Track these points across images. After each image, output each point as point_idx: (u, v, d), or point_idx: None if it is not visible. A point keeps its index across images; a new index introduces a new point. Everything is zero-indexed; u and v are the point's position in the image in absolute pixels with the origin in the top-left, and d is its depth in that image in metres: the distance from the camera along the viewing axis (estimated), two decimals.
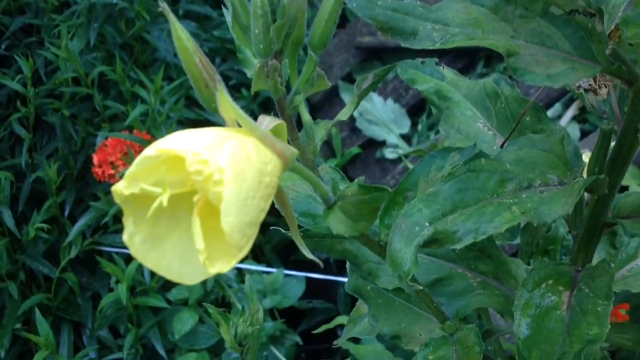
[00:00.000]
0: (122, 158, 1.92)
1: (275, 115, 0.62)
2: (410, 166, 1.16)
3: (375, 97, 2.45)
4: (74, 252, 1.99)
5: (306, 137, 0.66)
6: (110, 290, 1.99)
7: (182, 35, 0.56)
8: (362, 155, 2.48)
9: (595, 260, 0.79)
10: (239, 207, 0.49)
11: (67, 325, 2.07)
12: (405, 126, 2.44)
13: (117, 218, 2.00)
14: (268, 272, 2.16)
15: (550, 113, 2.31)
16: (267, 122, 0.55)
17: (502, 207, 0.65)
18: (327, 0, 0.62)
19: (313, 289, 2.24)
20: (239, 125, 0.54)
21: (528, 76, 0.63)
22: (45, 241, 2.04)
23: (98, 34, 2.06)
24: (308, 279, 2.18)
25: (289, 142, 0.62)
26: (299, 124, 0.67)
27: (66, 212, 2.05)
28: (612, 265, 0.84)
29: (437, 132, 2.42)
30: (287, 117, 0.62)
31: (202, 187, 0.49)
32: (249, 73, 0.61)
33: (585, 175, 0.73)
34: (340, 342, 1.04)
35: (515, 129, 0.82)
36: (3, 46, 2.09)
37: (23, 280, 2.02)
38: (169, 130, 2.02)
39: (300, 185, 0.70)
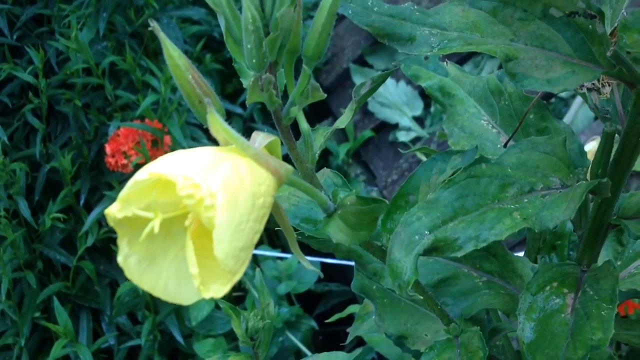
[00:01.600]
0: (135, 147, 1.93)
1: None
2: (421, 157, 1.15)
3: (387, 79, 2.43)
4: (90, 241, 2.01)
5: (304, 146, 0.65)
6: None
7: (173, 53, 0.56)
8: (374, 139, 2.46)
9: (602, 258, 0.78)
10: (232, 233, 0.48)
11: (85, 313, 2.09)
12: (418, 108, 2.42)
13: None
14: (283, 258, 2.17)
15: (565, 94, 2.28)
16: (260, 139, 0.55)
17: (503, 213, 0.64)
18: (321, 12, 0.61)
19: (329, 272, 2.24)
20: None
21: (527, 81, 0.62)
22: (62, 230, 2.06)
23: (107, 23, 2.05)
24: (323, 262, 2.18)
25: (286, 153, 0.62)
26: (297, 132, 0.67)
27: (82, 201, 2.06)
28: (619, 263, 0.84)
29: None
30: (284, 128, 0.62)
31: (194, 211, 0.49)
32: (245, 83, 0.61)
33: (589, 174, 0.72)
34: (350, 337, 1.04)
35: (519, 128, 0.80)
36: (14, 36, 2.08)
37: (41, 269, 2.04)
38: (180, 119, 2.02)
39: (301, 192, 0.70)
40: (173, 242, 0.53)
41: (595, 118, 2.19)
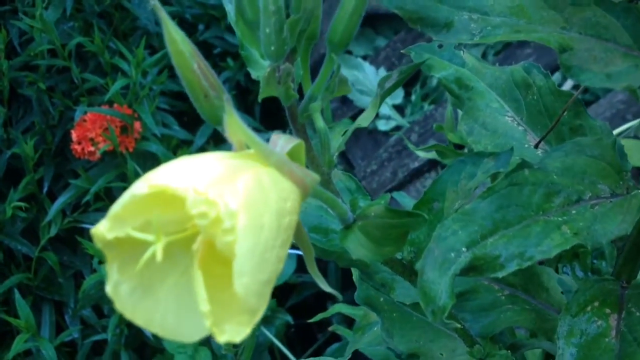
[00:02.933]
0: (102, 134, 1.84)
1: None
2: (420, 153, 1.07)
3: (367, 66, 2.35)
4: (53, 231, 1.95)
5: (320, 147, 0.56)
6: (93, 270, 1.94)
7: (176, 37, 0.47)
8: None
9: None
10: (256, 264, 0.39)
11: (48, 305, 2.03)
12: (399, 96, 2.35)
13: (98, 196, 1.95)
14: None
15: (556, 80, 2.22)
16: (282, 143, 0.45)
17: (550, 226, 0.56)
18: None
19: (303, 262, 2.18)
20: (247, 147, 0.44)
21: (584, 75, 0.54)
22: (24, 220, 1.99)
23: (74, 2, 1.98)
24: (299, 254, 2.12)
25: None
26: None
27: (45, 190, 2.00)
28: None
29: (431, 102, 2.33)
30: (299, 126, 0.53)
31: (208, 233, 0.39)
32: (254, 74, 0.51)
33: None
34: (349, 351, 0.95)
35: (554, 127, 0.72)
36: None
37: (1, 260, 1.98)
38: (152, 104, 1.94)
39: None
40: (173, 266, 0.43)
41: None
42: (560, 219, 0.56)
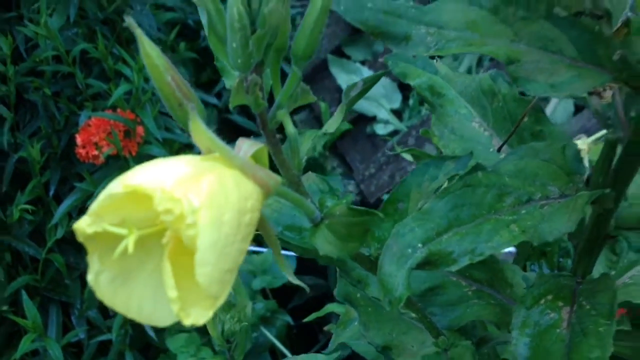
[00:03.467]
0: (106, 138, 1.89)
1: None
2: (409, 157, 1.11)
3: (365, 71, 2.40)
4: (60, 233, 1.98)
5: (290, 152, 0.61)
6: None
7: (151, 52, 0.52)
8: (352, 131, 2.43)
9: (596, 267, 0.75)
10: (217, 257, 0.44)
11: (55, 306, 2.06)
12: (396, 101, 2.40)
13: None
14: (258, 252, 2.14)
15: None
16: (245, 147, 0.50)
17: (500, 224, 0.60)
18: (312, 8, 0.57)
19: (304, 265, 2.22)
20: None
21: (530, 85, 0.58)
22: (31, 222, 2.02)
23: (78, 9, 2.01)
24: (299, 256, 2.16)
25: (271, 157, 0.58)
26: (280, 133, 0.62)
27: (51, 192, 2.03)
28: (612, 272, 0.81)
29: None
30: (269, 132, 0.58)
31: (174, 228, 0.44)
32: (228, 84, 0.56)
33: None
34: (332, 344, 1.00)
35: (514, 132, 0.77)
36: None
37: (9, 261, 2.02)
38: (154, 109, 1.98)
39: None
40: (149, 257, 0.48)
41: (575, 113, 2.18)
42: (510, 217, 0.61)
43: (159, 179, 0.44)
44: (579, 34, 0.59)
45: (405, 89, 2.43)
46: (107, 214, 0.45)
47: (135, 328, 2.04)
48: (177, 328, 2.04)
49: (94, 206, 0.45)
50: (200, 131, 0.47)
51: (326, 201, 0.63)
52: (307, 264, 2.24)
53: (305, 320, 1.50)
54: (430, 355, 0.75)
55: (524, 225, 0.60)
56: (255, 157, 0.50)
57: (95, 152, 1.90)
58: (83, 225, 0.45)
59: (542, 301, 0.67)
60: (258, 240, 1.81)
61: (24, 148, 1.96)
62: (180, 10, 2.32)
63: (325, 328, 1.65)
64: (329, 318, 1.78)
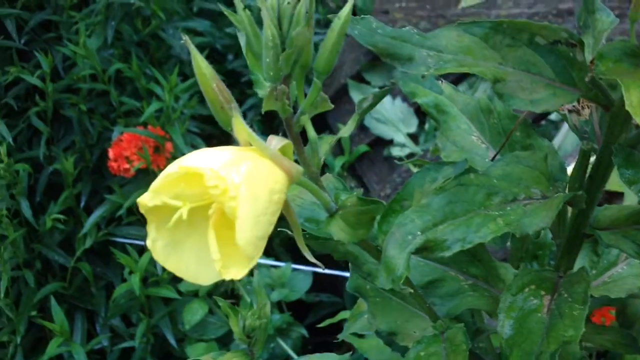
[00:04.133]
0: (137, 153, 1.98)
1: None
2: (413, 169, 1.21)
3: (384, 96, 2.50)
4: (88, 243, 2.07)
5: (311, 152, 0.72)
6: (124, 280, 2.05)
7: (201, 63, 0.63)
8: (370, 153, 2.52)
9: (577, 266, 0.85)
10: (253, 224, 0.56)
11: (81, 314, 2.14)
12: (413, 125, 2.49)
13: (131, 210, 2.06)
14: (276, 266, 2.22)
15: (555, 117, 2.35)
16: (275, 142, 0.62)
17: (488, 218, 0.71)
18: (331, 32, 0.69)
19: (320, 282, 2.28)
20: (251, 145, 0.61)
21: (513, 101, 0.69)
22: (61, 231, 2.10)
23: (115, 31, 2.11)
24: (315, 273, 2.23)
25: (295, 157, 0.69)
26: (304, 138, 0.74)
27: (82, 204, 2.11)
28: (594, 272, 0.91)
29: None
30: (294, 134, 0.69)
31: (219, 200, 0.56)
32: (261, 93, 0.68)
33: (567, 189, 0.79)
34: (342, 336, 1.10)
35: (505, 144, 0.88)
36: (22, 41, 2.13)
37: (39, 269, 2.09)
38: (182, 127, 2.08)
39: (305, 193, 0.76)
40: (195, 230, 0.60)
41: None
42: (497, 213, 0.71)
43: (208, 162, 0.56)
44: (556, 59, 0.70)
45: (421, 114, 2.52)
46: (164, 191, 0.57)
47: (157, 337, 2.10)
48: (197, 337, 2.12)
49: (154, 184, 0.57)
50: (241, 127, 0.59)
51: (340, 195, 0.74)
52: (323, 283, 2.31)
53: (319, 326, 1.58)
54: (429, 337, 0.85)
55: (509, 219, 0.70)
56: (283, 150, 0.62)
57: (126, 166, 1.99)
58: (145, 200, 0.57)
59: (526, 290, 0.77)
60: (276, 255, 1.91)
61: (58, 161, 2.06)
62: (210, 35, 2.41)
63: (339, 336, 1.72)
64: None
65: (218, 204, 0.57)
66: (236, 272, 0.57)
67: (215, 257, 0.56)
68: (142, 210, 0.58)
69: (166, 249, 0.60)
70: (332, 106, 0.69)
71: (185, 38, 0.62)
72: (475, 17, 2.42)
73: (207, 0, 2.43)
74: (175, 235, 0.60)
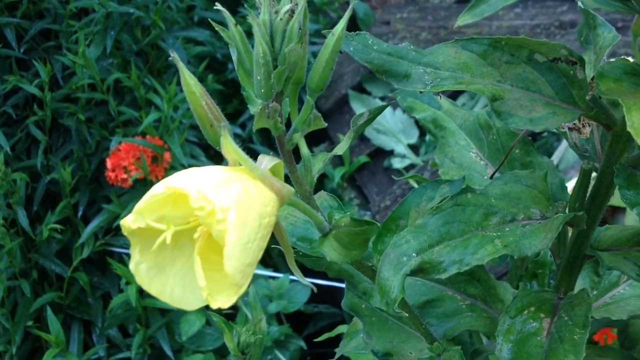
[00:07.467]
0: (135, 163, 1.97)
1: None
2: (414, 184, 1.20)
3: None
4: (86, 253, 2.05)
5: (304, 170, 0.70)
6: (121, 290, 2.03)
7: (190, 81, 0.62)
8: (370, 164, 2.51)
9: (578, 287, 0.83)
10: (241, 251, 0.54)
11: (77, 324, 2.12)
12: (414, 136, 2.48)
13: None
14: (275, 277, 2.20)
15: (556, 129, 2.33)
16: (266, 162, 0.60)
17: (486, 239, 0.69)
18: (325, 49, 0.67)
19: (319, 293, 2.26)
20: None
21: (511, 119, 0.67)
22: (58, 241, 2.09)
23: (114, 41, 2.10)
24: (314, 284, 2.21)
25: (287, 175, 0.67)
26: (299, 154, 0.72)
27: (79, 214, 2.10)
28: (595, 292, 0.89)
29: None
30: (286, 152, 0.67)
31: (205, 222, 0.54)
32: (252, 110, 0.66)
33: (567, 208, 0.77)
34: (338, 354, 1.08)
35: (504, 161, 0.86)
36: (22, 50, 2.12)
37: (36, 278, 2.08)
38: (181, 137, 2.06)
39: (298, 212, 0.75)
40: (180, 253, 0.58)
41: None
42: (495, 234, 0.69)
43: (195, 182, 0.54)
44: (555, 77, 0.68)
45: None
46: (148, 213, 0.55)
47: (153, 348, 2.08)
48: (194, 349, 2.10)
49: (138, 205, 0.55)
50: (230, 146, 0.57)
51: (334, 215, 0.72)
52: (322, 295, 2.29)
53: (317, 340, 1.56)
54: (425, 359, 0.83)
55: (507, 240, 0.68)
56: (273, 170, 0.60)
57: (124, 176, 1.97)
58: (128, 222, 0.55)
59: (525, 312, 0.75)
60: (275, 266, 1.89)
61: (56, 170, 2.04)
62: (210, 44, 2.40)
63: (337, 350, 1.71)
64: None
65: (205, 227, 0.55)
66: (224, 301, 0.54)
67: (201, 284, 0.54)
68: (124, 233, 0.56)
69: (150, 273, 0.57)
70: (325, 124, 0.67)
71: (174, 55, 0.60)
72: (476, 28, 2.41)
73: (207, 10, 2.42)
74: (160, 258, 0.58)
